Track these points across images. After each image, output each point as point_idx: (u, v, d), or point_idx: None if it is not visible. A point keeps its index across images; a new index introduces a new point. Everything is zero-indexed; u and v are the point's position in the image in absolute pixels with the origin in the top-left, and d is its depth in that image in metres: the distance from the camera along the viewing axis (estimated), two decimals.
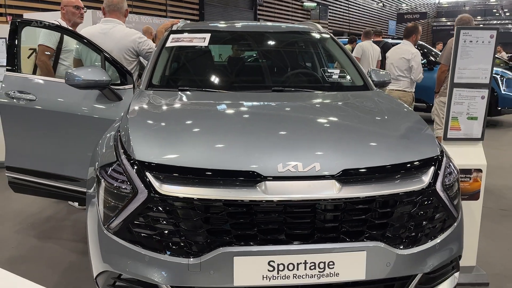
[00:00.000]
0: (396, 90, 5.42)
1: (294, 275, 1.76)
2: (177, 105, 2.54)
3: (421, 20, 45.37)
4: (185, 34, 3.28)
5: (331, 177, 1.81)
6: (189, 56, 3.42)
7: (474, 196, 2.76)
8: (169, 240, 1.77)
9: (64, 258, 3.04)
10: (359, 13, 39.60)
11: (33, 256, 3.08)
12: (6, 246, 3.24)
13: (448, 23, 46.89)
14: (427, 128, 2.24)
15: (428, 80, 6.71)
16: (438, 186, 1.93)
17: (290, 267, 1.75)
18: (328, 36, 3.46)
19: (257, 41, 3.47)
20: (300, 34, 3.62)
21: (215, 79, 3.19)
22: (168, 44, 3.19)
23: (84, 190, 3.10)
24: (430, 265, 1.91)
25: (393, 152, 1.98)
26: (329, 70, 3.09)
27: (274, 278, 1.75)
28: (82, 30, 3.71)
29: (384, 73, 3.26)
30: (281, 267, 1.75)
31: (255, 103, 2.59)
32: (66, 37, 3.84)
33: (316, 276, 1.77)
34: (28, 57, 4.04)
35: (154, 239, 1.79)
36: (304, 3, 35.11)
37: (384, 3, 42.18)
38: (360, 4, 38.30)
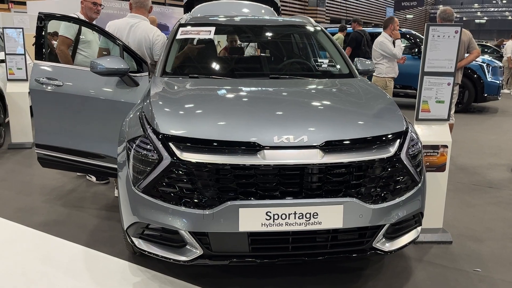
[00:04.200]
0: (373, 75, 6.09)
1: (286, 223, 2.24)
2: (190, 89, 3.00)
3: (418, 8, 45.43)
4: (193, 27, 3.72)
5: (316, 146, 2.28)
6: (196, 47, 3.86)
7: (441, 168, 3.24)
8: (188, 196, 2.24)
9: (89, 221, 3.52)
10: (357, 1, 39.62)
11: (62, 220, 3.56)
12: (37, 212, 3.72)
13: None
14: (396, 109, 2.72)
15: (416, 67, 7.19)
16: (403, 155, 2.41)
17: (283, 216, 2.23)
18: (320, 29, 3.92)
19: (256, 33, 3.92)
20: (294, 27, 4.07)
21: (220, 67, 3.65)
22: (178, 36, 3.64)
23: (103, 164, 3.60)
24: (394, 218, 2.39)
25: (366, 127, 2.46)
26: (319, 60, 3.56)
27: (271, 225, 2.23)
28: (110, 22, 4.12)
29: (368, 62, 3.71)
30: (276, 217, 2.22)
31: (255, 88, 3.07)
32: (84, 29, 4.28)
33: (303, 224, 2.25)
34: (33, 45, 4.42)
35: (176, 195, 2.26)
36: None
37: None
38: None
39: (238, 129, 2.37)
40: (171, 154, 2.25)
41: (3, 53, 6.08)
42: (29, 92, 3.91)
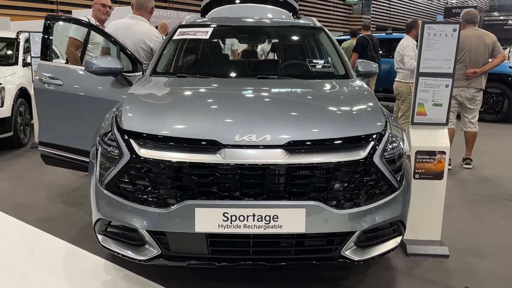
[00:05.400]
0: (396, 81, 5.82)
1: (245, 225, 2.14)
2: (167, 87, 2.97)
3: None
4: (191, 28, 3.71)
5: (279, 146, 2.18)
6: (190, 48, 3.85)
7: (438, 176, 3.02)
8: (145, 193, 2.20)
9: (82, 219, 3.54)
10: (404, 7, 38.76)
11: (57, 217, 3.62)
12: (37, 208, 3.81)
13: (501, 18, 44.95)
14: (377, 110, 2.56)
15: None
16: (376, 158, 2.25)
17: (241, 218, 2.13)
18: (321, 30, 3.79)
19: (255, 34, 3.85)
20: (295, 28, 3.97)
21: (209, 67, 3.61)
22: (175, 37, 3.64)
23: None
24: (365, 225, 2.23)
25: (337, 128, 2.32)
26: (314, 61, 3.43)
27: (228, 227, 2.14)
28: (111, 22, 4.22)
29: (369, 64, 3.54)
30: (233, 218, 2.13)
31: (235, 87, 3.00)
32: (92, 32, 4.38)
33: (262, 227, 2.14)
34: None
35: (134, 193, 2.22)
36: None
37: None
38: None
39: (199, 126, 2.30)
40: (131, 150, 2.22)
41: (29, 56, 6.34)
42: None
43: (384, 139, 2.33)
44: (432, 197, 3.03)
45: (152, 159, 2.17)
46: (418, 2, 40.51)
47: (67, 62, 4.39)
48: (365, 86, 3.03)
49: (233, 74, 3.44)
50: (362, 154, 2.23)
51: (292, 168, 2.15)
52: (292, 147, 2.18)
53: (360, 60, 3.56)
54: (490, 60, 5.09)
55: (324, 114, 2.50)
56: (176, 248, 2.24)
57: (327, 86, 3.04)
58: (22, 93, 6.13)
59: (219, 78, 3.21)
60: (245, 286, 2.61)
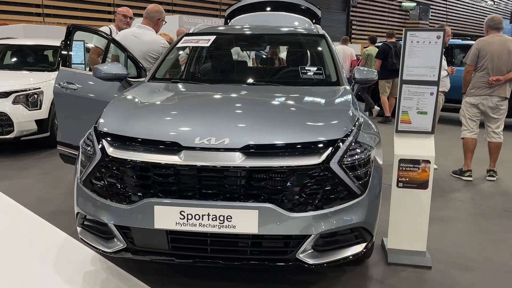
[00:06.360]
0: None
1: (200, 224, 2.25)
2: (151, 92, 3.12)
3: None
4: (195, 37, 3.88)
5: (237, 150, 2.27)
6: (191, 55, 4.02)
7: (423, 185, 2.96)
8: (112, 190, 2.37)
9: None
10: (464, 12, 37.18)
11: (68, 211, 3.88)
12: (52, 203, 4.12)
13: None
14: (343, 117, 2.57)
15: None
16: (334, 164, 2.28)
17: (197, 217, 2.25)
18: (323, 37, 3.83)
19: (255, 42, 3.96)
20: (296, 35, 4.03)
21: (204, 74, 3.76)
22: (179, 44, 3.83)
23: None
24: (320, 230, 2.27)
25: (295, 133, 2.37)
26: (306, 68, 3.48)
27: (184, 224, 2.26)
28: (122, 31, 4.50)
29: (367, 71, 3.52)
30: (189, 217, 2.25)
31: (215, 92, 3.12)
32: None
33: (217, 226, 2.24)
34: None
35: (104, 189, 2.40)
36: (403, 3, 33.88)
37: (496, 2, 39.04)
38: (466, 3, 35.88)
39: (163, 129, 2.45)
40: (102, 150, 2.40)
41: None
42: None
43: (344, 145, 2.35)
44: (417, 207, 2.98)
45: (119, 158, 2.34)
46: (482, 7, 38.69)
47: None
48: (348, 93, 3.03)
49: (223, 80, 3.57)
50: (318, 159, 2.27)
51: (248, 171, 2.23)
52: (249, 150, 2.27)
53: (357, 67, 3.56)
54: None
55: (287, 119, 2.56)
56: (140, 243, 2.38)
57: (307, 93, 3.09)
58: None
59: (208, 84, 3.35)
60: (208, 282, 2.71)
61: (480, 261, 3.07)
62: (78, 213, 2.58)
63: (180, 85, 3.36)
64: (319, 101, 2.88)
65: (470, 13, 36.38)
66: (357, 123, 2.58)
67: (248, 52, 6.42)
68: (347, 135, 2.41)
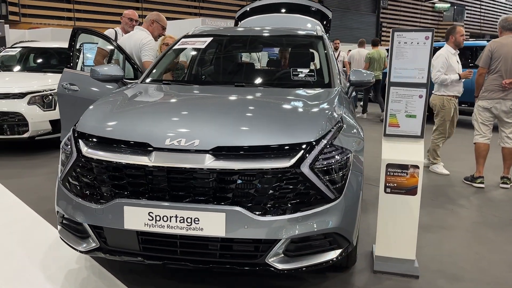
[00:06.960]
0: (431, 92, 5.43)
1: (168, 225, 2.24)
2: (135, 93, 3.11)
3: None
4: (192, 38, 3.89)
5: (206, 151, 2.25)
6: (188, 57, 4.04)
7: (411, 191, 2.86)
8: (87, 190, 2.40)
9: None
10: (502, 13, 36.00)
11: None
12: (52, 202, 4.20)
13: None
14: (320, 119, 2.50)
15: None
16: (305, 168, 2.22)
17: (165, 218, 2.24)
18: (320, 39, 3.77)
19: (249, 44, 3.93)
20: (294, 37, 3.97)
21: (195, 75, 3.76)
22: (176, 46, 3.85)
23: None
24: (290, 234, 2.21)
25: (266, 135, 2.32)
26: (298, 69, 3.42)
27: (153, 226, 2.26)
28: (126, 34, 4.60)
29: (364, 73, 3.42)
30: (158, 218, 2.25)
31: (199, 93, 3.12)
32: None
33: (184, 228, 2.23)
34: None
35: (79, 189, 2.43)
36: (436, 4, 33.08)
37: None
38: (501, 3, 34.71)
39: (135, 130, 2.45)
40: (78, 149, 2.43)
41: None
42: None
43: (317, 149, 2.29)
44: (405, 214, 2.88)
45: (93, 158, 2.36)
46: None
47: None
48: (335, 96, 2.95)
49: (211, 82, 3.56)
50: (288, 162, 2.22)
51: (216, 173, 2.21)
52: (218, 152, 2.24)
53: (354, 69, 3.48)
54: None
55: (261, 121, 2.51)
56: (113, 243, 2.40)
57: (291, 95, 3.03)
58: None
59: (195, 85, 3.35)
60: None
61: (472, 272, 2.94)
62: (57, 211, 2.62)
63: (165, 87, 3.37)
64: (299, 104, 2.83)
65: (506, 13, 35.11)
66: (336, 126, 2.51)
67: (258, 54, 6.43)
68: (321, 138, 2.34)
